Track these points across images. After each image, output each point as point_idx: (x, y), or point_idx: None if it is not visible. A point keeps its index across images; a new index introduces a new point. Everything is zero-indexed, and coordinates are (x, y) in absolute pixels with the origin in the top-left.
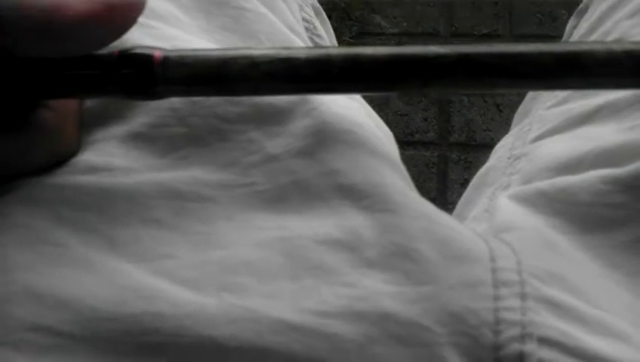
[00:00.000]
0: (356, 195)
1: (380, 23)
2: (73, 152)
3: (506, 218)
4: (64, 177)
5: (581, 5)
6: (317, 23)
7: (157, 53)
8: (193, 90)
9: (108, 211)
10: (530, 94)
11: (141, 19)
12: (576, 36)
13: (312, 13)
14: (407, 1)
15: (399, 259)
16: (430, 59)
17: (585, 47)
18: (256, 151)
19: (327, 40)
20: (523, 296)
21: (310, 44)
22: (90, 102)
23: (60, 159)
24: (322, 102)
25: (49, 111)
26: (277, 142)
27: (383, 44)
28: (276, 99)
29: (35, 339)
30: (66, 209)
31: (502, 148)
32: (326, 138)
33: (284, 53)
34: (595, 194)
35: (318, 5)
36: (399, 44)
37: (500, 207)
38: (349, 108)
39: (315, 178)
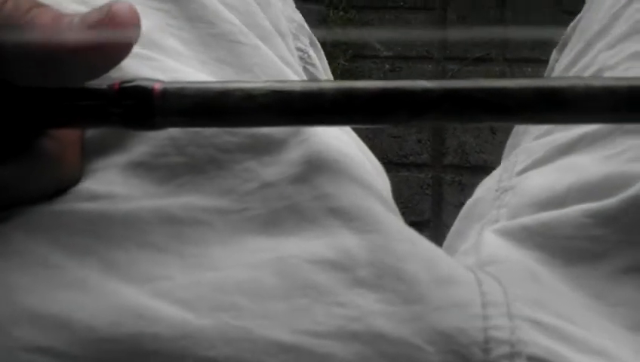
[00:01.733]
0: (347, 217)
1: (374, 46)
2: (75, 180)
3: (490, 252)
4: (64, 204)
5: (560, 42)
6: (311, 52)
7: (156, 86)
8: (190, 121)
9: (105, 235)
10: (520, 128)
11: (143, 51)
12: (558, 69)
13: (307, 43)
14: (401, 24)
15: (390, 279)
16: (417, 94)
17: (565, 83)
18: (251, 179)
19: (320, 69)
20: (511, 316)
21: (303, 74)
22: (90, 132)
23: (62, 187)
24: (314, 133)
25: (51, 140)
26: (272, 171)
27: (377, 67)
28: (272, 130)
29: (35, 360)
30: (64, 234)
31: (490, 180)
32: (318, 165)
33: (279, 86)
34: (577, 227)
35: (312, 35)
36: (393, 67)
37: (486, 242)
38: (340, 140)
39: (308, 202)
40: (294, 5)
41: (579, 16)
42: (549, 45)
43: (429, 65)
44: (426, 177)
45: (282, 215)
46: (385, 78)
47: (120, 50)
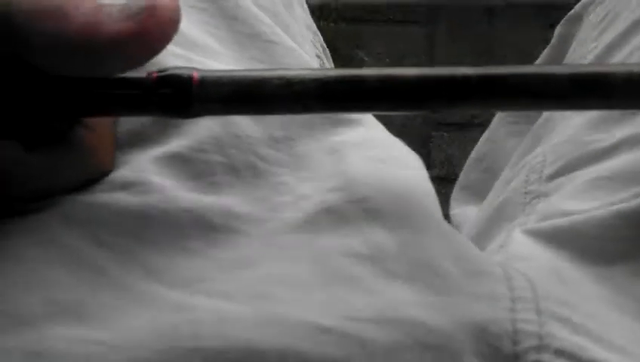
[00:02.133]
0: (381, 216)
1: (363, 59)
2: (108, 171)
3: (518, 249)
4: (100, 195)
5: (572, 13)
6: (325, 60)
7: (195, 74)
8: (229, 108)
9: (144, 236)
10: (540, 121)
11: (181, 50)
12: (579, 47)
13: (321, 51)
14: (390, 37)
15: (423, 272)
16: (457, 80)
17: (605, 69)
18: (287, 192)
19: None
20: (539, 311)
21: None
22: (128, 126)
23: (95, 176)
24: (352, 148)
25: (86, 129)
26: (307, 186)
27: None
28: (311, 149)
29: (77, 349)
30: (104, 231)
31: (516, 179)
32: (355, 178)
33: (317, 73)
34: (607, 228)
35: (323, 42)
36: None
37: (514, 240)
38: (379, 149)
39: (343, 204)
40: (309, 13)
41: None
42: (535, 59)
43: None
44: None
45: (317, 216)
46: None
47: (159, 41)
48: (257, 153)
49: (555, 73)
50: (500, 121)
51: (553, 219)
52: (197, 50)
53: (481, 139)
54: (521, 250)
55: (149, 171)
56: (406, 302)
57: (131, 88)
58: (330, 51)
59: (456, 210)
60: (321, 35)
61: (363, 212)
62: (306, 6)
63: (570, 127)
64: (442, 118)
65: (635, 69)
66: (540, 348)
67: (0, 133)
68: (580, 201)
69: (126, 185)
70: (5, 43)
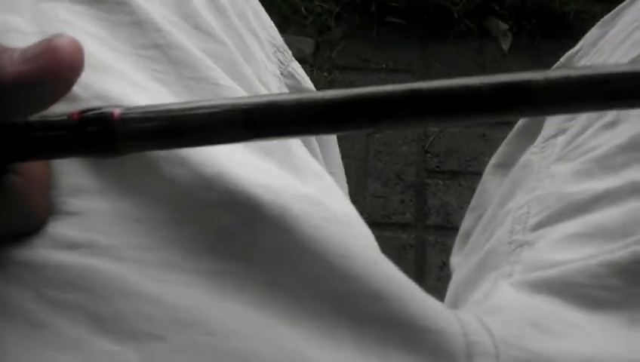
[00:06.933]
0: (330, 301)
1: None
2: (42, 219)
3: (496, 302)
4: (45, 253)
5: (557, 64)
6: (300, 71)
7: (117, 111)
8: (154, 143)
9: (89, 287)
10: (518, 165)
11: (124, 94)
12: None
13: (298, 69)
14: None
15: (380, 346)
16: (378, 99)
17: (525, 77)
18: (233, 239)
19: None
20: None
21: None
22: (71, 175)
23: (28, 226)
24: (291, 195)
25: (17, 175)
26: (253, 230)
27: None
28: (251, 186)
29: None
30: (49, 289)
31: (500, 228)
32: (297, 239)
33: (238, 102)
34: (593, 276)
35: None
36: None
37: (498, 292)
38: (318, 203)
39: (291, 281)
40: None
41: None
42: None
43: None
44: (409, 238)
45: (268, 291)
46: (368, 139)
47: (60, 83)
48: (194, 199)
49: (479, 84)
50: (489, 169)
51: (541, 271)
52: (142, 92)
53: (477, 190)
54: (497, 303)
55: (97, 231)
56: None
57: (53, 130)
58: None
59: (454, 258)
60: (316, 83)
61: (315, 295)
62: (271, 31)
63: (552, 177)
64: (437, 166)
65: (552, 74)
66: None
67: None
68: (566, 252)
69: (73, 246)
70: None
